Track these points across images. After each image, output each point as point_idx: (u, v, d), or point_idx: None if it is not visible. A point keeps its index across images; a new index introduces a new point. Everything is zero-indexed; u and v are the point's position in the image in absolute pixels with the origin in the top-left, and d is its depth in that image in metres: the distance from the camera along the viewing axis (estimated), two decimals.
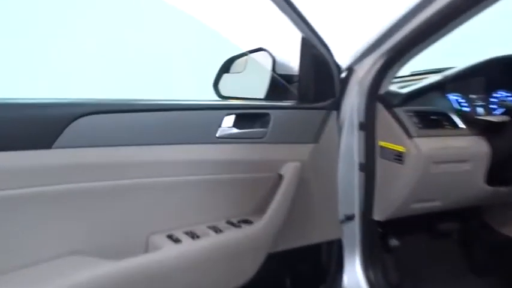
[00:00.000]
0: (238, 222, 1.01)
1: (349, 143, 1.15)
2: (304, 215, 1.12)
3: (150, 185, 0.91)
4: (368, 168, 1.14)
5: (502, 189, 1.17)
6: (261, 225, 0.98)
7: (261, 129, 1.05)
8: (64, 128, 0.81)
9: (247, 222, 1.02)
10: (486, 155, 1.12)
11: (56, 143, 0.80)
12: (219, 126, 1.00)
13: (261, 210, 1.03)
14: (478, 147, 1.11)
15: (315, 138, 1.11)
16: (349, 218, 1.18)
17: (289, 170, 1.04)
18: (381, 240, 1.25)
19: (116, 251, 0.86)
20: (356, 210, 1.19)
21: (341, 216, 1.18)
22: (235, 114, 1.02)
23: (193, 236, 0.93)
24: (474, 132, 1.13)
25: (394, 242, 1.27)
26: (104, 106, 0.87)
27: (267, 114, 1.06)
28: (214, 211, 1.01)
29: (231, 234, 0.96)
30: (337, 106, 1.14)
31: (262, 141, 1.05)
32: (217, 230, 0.97)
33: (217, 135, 0.99)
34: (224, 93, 1.27)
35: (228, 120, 1.02)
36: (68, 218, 0.83)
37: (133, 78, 2.23)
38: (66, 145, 0.81)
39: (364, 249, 1.19)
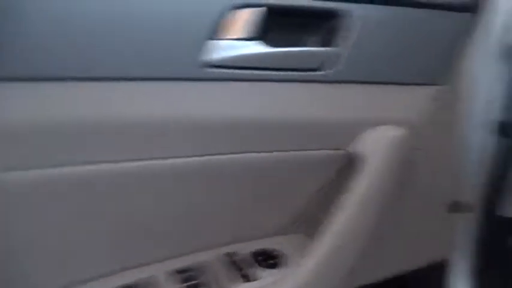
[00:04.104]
0: (256, 256, 0.55)
1: (484, 82, 0.68)
2: (399, 230, 0.64)
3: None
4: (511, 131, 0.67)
5: None
6: (308, 267, 0.50)
7: (321, 50, 0.51)
8: None
9: (273, 258, 0.55)
10: None
11: None
12: (209, 36, 0.45)
13: (305, 228, 0.57)
14: None
15: (442, 75, 0.56)
16: (459, 207, 0.75)
17: (378, 145, 0.53)
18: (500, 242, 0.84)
19: None
20: (472, 197, 0.77)
21: (447, 204, 0.73)
22: (256, 5, 0.47)
23: None
24: None
25: None
26: None
27: (344, 15, 0.50)
28: (197, 231, 0.54)
29: None
30: (478, 6, 0.60)
31: (321, 79, 0.51)
32: (196, 278, 0.50)
33: (204, 58, 0.45)
34: None
35: (240, 23, 0.46)
36: None
37: None
38: None
39: (479, 257, 0.79)
